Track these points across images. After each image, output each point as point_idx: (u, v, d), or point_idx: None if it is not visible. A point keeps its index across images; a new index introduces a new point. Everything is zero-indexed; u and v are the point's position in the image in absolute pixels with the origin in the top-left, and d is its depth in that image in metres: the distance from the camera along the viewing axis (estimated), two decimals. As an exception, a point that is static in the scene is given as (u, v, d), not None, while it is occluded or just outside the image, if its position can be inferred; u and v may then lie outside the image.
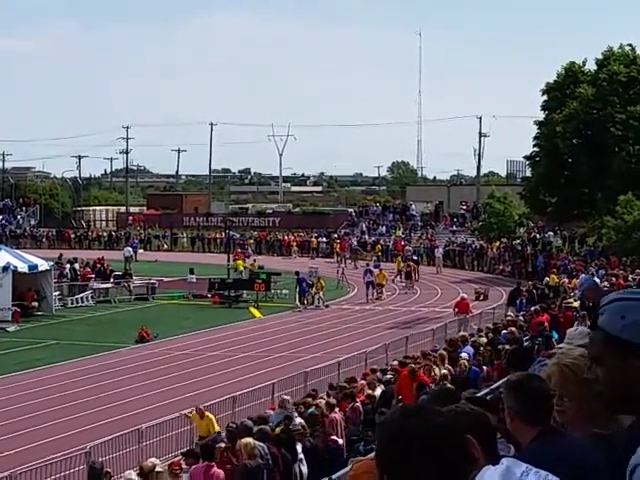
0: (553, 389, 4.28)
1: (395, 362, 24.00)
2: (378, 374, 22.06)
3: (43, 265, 44.76)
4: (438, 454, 2.45)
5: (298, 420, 17.20)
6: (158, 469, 15.14)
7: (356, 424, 17.90)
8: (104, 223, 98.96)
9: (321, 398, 19.46)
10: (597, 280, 19.76)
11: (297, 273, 49.09)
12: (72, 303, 47.30)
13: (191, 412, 20.57)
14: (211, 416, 19.85)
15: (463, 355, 21.17)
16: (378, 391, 19.64)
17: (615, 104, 61.07)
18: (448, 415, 2.68)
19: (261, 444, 14.84)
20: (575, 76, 65.40)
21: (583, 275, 20.57)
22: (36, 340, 37.37)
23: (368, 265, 54.25)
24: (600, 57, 64.67)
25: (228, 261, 55.47)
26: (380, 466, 2.55)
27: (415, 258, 59.69)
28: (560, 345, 4.95)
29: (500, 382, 13.68)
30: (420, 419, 2.51)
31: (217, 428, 19.14)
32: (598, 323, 2.75)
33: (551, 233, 67.41)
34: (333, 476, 9.69)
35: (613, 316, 2.70)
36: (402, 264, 58.44)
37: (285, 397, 19.86)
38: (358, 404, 18.45)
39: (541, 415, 4.21)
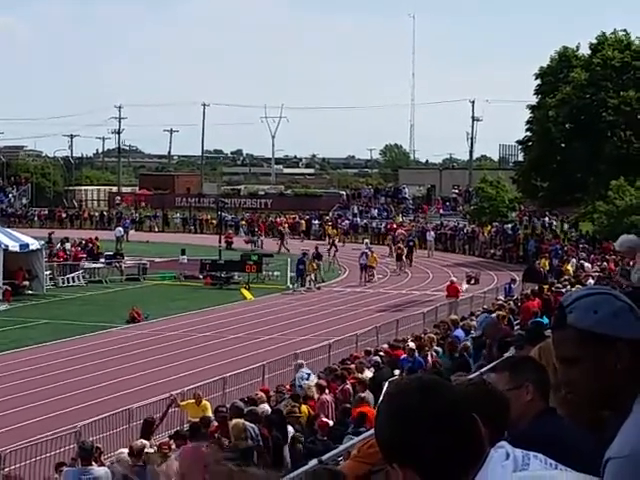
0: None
1: (385, 345, 24.06)
2: (372, 357, 21.94)
3: (34, 244, 44.65)
4: (453, 430, 2.36)
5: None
6: (148, 449, 15.17)
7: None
8: (96, 203, 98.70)
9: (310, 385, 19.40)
10: (495, 318, 19.67)
11: (304, 254, 48.85)
12: (63, 283, 47.24)
13: (183, 400, 20.54)
14: (207, 404, 19.77)
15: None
16: (367, 374, 19.60)
17: (608, 89, 61.08)
18: (463, 389, 2.62)
19: (252, 425, 14.84)
20: (568, 61, 65.38)
21: (483, 314, 20.29)
22: (27, 319, 37.34)
23: (368, 247, 54.04)
24: (594, 42, 64.65)
25: (220, 242, 55.38)
26: (385, 441, 2.43)
27: (411, 243, 59.50)
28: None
29: (490, 366, 13.68)
30: (437, 393, 2.41)
31: (210, 414, 19.01)
32: (568, 322, 2.71)
33: (547, 219, 67.43)
34: (323, 457, 9.67)
35: (585, 312, 2.67)
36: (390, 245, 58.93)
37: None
38: (348, 386, 18.45)
39: (548, 390, 4.26)
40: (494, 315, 20.81)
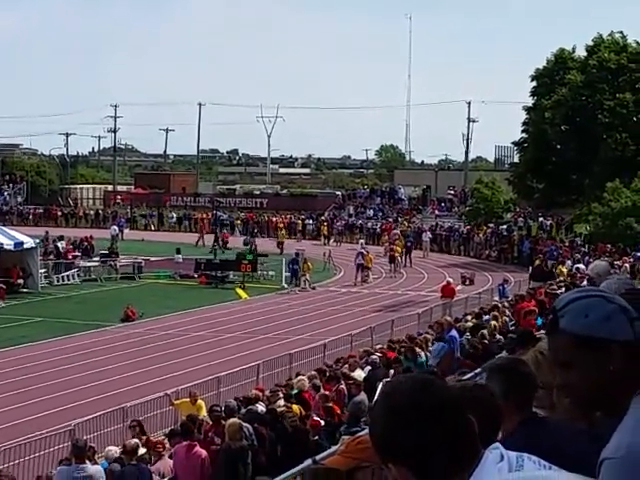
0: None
1: (379, 345, 24.05)
2: (369, 357, 21.81)
3: (29, 242, 44.63)
4: (446, 428, 2.37)
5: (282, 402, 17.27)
6: (141, 448, 15.18)
7: (340, 406, 17.90)
8: (91, 201, 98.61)
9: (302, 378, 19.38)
10: (453, 347, 19.62)
11: (297, 254, 48.97)
12: (58, 281, 47.19)
13: (177, 399, 20.54)
14: (202, 403, 19.72)
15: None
16: (358, 373, 19.58)
17: (604, 91, 61.12)
18: (457, 389, 2.64)
19: (247, 425, 14.84)
20: (565, 63, 65.42)
21: (439, 343, 20.00)
22: (21, 317, 37.30)
23: (363, 247, 53.82)
24: (590, 44, 64.70)
25: (215, 241, 55.38)
26: (380, 439, 2.44)
27: (409, 244, 59.42)
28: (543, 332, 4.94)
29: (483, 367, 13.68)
30: (430, 392, 2.41)
31: (205, 413, 18.89)
32: (560, 327, 2.71)
33: (542, 219, 67.47)
34: (317, 457, 9.64)
35: (576, 316, 2.66)
36: (386, 246, 58.66)
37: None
38: (343, 386, 18.44)
39: (527, 400, 4.23)
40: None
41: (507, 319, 24.51)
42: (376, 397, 2.53)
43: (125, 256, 53.15)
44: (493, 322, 22.04)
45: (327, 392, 17.77)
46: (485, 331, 20.79)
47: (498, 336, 20.68)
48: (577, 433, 3.71)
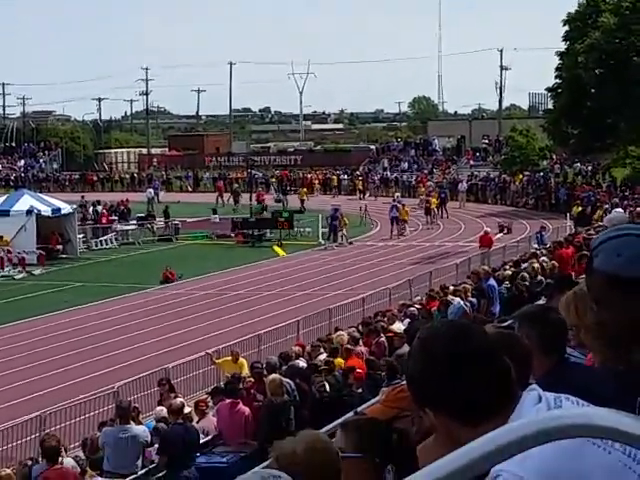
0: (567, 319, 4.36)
1: (418, 297, 24.01)
2: (408, 309, 21.74)
3: (66, 208, 44.93)
4: (482, 374, 2.36)
5: (323, 356, 17.30)
6: (186, 408, 15.27)
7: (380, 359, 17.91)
8: (126, 165, 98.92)
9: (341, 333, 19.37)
10: (466, 306, 19.45)
11: (335, 210, 48.60)
12: (96, 245, 47.53)
13: (219, 358, 20.62)
14: (244, 361, 19.75)
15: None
16: (397, 325, 19.55)
17: (638, 33, 60.19)
18: (493, 335, 2.63)
19: (288, 380, 14.90)
20: (597, 5, 64.42)
21: (454, 303, 19.79)
22: (62, 282, 37.64)
23: (394, 201, 53.64)
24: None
25: (250, 200, 55.46)
26: (416, 386, 2.43)
27: (443, 195, 59.31)
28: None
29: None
30: (465, 338, 2.41)
31: (247, 371, 18.93)
32: (594, 266, 2.68)
33: (580, 165, 66.94)
34: (358, 408, 9.67)
35: (609, 255, 2.62)
36: (422, 198, 58.56)
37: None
38: (383, 339, 18.44)
39: (557, 345, 4.25)
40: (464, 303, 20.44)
41: (552, 265, 24.34)
42: (412, 344, 2.52)
43: (161, 218, 53.26)
44: (535, 264, 22.09)
45: (363, 347, 17.81)
46: (525, 273, 20.81)
47: (540, 277, 20.78)
48: (607, 375, 3.69)
